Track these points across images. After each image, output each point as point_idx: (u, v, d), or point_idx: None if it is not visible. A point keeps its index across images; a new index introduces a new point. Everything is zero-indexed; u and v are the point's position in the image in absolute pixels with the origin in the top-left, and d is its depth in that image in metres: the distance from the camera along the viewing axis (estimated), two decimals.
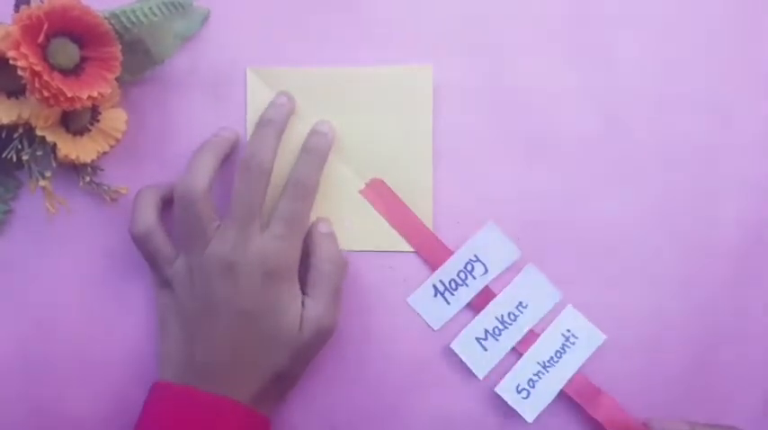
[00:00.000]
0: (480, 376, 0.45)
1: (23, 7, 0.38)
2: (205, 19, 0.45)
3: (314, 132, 0.45)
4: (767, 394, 0.47)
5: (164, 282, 0.44)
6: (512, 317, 0.46)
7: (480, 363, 0.45)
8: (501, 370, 0.45)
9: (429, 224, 0.46)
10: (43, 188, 0.43)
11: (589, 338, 0.46)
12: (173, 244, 0.43)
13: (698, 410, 0.46)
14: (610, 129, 0.46)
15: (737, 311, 0.46)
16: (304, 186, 0.43)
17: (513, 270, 0.46)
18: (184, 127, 0.45)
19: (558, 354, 0.45)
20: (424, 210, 0.46)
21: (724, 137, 0.46)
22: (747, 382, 0.46)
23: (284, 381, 0.44)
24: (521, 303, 0.46)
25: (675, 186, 0.46)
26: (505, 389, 0.45)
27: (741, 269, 0.47)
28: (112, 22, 0.42)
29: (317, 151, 0.44)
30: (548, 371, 0.45)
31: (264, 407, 0.43)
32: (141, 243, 0.43)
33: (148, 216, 0.43)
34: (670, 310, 0.46)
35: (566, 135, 0.46)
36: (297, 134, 0.45)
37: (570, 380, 0.45)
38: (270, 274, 0.41)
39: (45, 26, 0.38)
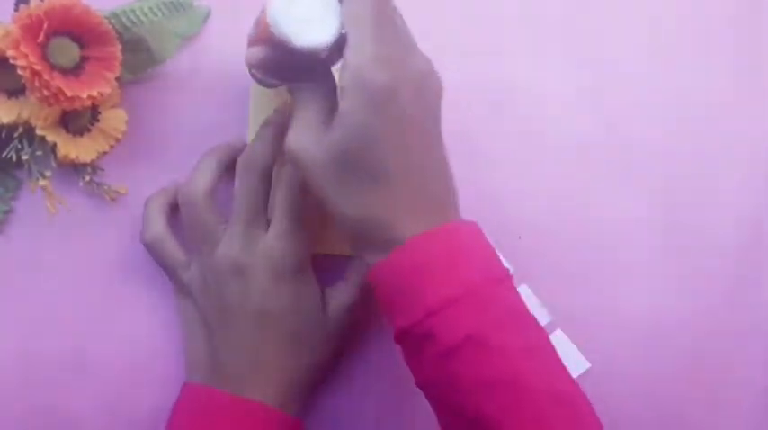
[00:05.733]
0: None
1: (23, 7, 0.38)
2: (206, 19, 0.45)
3: None
4: (767, 394, 0.46)
5: (182, 288, 0.44)
6: None
7: None
8: None
9: None
10: (43, 188, 0.43)
11: (575, 364, 0.46)
12: (185, 249, 0.43)
13: (697, 410, 0.46)
14: (610, 130, 0.46)
15: (737, 310, 0.46)
16: None
17: None
18: (184, 127, 0.45)
19: None
20: None
21: (724, 137, 0.46)
22: (747, 382, 0.46)
23: (314, 376, 0.44)
24: None
25: (675, 186, 0.46)
26: None
27: (741, 269, 0.47)
28: (112, 21, 0.42)
29: None
30: None
31: (296, 407, 0.43)
32: (152, 250, 0.43)
33: (157, 223, 0.43)
34: (670, 310, 0.46)
35: (565, 137, 0.46)
36: None
37: None
38: (280, 273, 0.41)
39: (45, 25, 0.38)
